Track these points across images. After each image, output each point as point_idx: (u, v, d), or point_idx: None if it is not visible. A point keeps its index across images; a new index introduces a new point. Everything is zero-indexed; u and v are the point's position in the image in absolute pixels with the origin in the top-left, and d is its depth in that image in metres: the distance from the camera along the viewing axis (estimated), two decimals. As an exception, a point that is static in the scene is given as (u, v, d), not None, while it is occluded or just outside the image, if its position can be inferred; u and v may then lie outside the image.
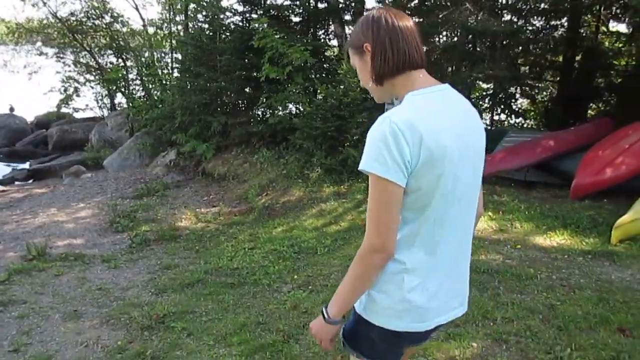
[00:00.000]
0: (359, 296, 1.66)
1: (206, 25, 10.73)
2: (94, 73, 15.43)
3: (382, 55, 1.62)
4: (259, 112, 10.19)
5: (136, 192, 9.30)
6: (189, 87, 10.34)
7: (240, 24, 10.11)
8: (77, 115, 15.76)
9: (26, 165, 12.87)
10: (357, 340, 1.78)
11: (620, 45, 13.30)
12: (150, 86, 13.23)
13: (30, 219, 8.12)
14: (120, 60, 14.91)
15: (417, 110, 1.56)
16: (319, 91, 8.78)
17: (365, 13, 1.82)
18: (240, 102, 10.27)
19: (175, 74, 13.48)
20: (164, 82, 12.85)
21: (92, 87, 15.60)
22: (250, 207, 7.87)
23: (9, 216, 8.40)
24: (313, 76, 9.31)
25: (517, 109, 14.08)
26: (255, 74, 9.61)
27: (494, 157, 9.03)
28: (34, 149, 14.61)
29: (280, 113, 9.68)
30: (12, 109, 17.61)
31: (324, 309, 1.71)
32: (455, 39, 10.76)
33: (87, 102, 15.65)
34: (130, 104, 13.05)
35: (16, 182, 11.59)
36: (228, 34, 10.09)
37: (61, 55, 15.65)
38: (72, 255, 6.41)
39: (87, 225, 7.74)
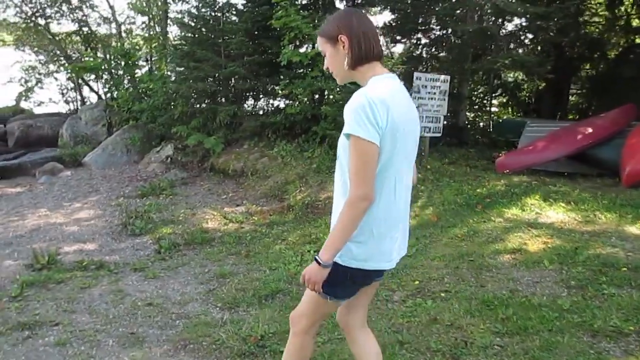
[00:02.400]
0: (348, 240, 1.91)
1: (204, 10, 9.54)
2: (58, 63, 13.82)
3: (357, 47, 1.97)
4: (274, 101, 9.12)
5: (138, 190, 8.06)
6: (188, 73, 9.11)
7: (250, 3, 9.00)
8: (39, 110, 14.11)
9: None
10: (334, 284, 2.02)
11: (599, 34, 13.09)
12: (127, 76, 11.86)
13: (17, 221, 6.78)
14: (88, 49, 13.40)
15: (383, 89, 1.91)
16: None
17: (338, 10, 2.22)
18: (251, 90, 9.15)
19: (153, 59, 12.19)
20: (151, 71, 11.57)
21: (57, 79, 14.00)
22: (286, 205, 6.84)
23: (-11, 219, 7.01)
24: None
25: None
26: (264, 57, 8.58)
27: (535, 146, 8.45)
28: (-9, 146, 12.93)
29: (295, 102, 8.66)
30: (-39, 103, 15.69)
31: (316, 256, 1.92)
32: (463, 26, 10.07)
33: (50, 96, 14.07)
34: (112, 95, 11.66)
35: (-22, 182, 10.04)
36: (235, 13, 8.98)
37: (22, 42, 13.94)
38: (93, 264, 5.21)
39: (93, 227, 6.49)
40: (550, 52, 12.42)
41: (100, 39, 13.80)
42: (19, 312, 4.14)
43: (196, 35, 9.24)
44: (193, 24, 9.36)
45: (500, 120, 12.21)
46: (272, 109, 9.02)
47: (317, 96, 8.58)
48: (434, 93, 9.00)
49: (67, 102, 14.17)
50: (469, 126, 11.87)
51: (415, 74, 8.66)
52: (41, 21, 13.52)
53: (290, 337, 2.31)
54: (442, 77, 9.11)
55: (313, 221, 6.30)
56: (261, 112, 9.11)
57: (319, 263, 1.92)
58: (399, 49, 12.28)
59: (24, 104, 14.20)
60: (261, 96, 9.51)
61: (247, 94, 9.33)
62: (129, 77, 11.55)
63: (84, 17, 13.61)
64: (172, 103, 9.34)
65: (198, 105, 9.19)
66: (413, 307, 3.89)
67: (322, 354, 3.32)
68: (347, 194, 1.92)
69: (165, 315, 4.10)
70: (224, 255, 5.53)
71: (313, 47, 7.94)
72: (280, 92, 8.31)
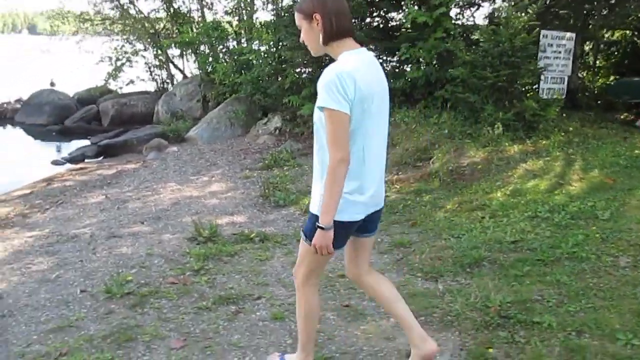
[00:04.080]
0: (339, 199, 2.17)
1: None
2: (145, 42, 13.73)
3: (329, 25, 2.20)
4: (387, 66, 8.73)
5: (258, 163, 7.88)
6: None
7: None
8: (127, 90, 14.12)
9: (87, 142, 11.35)
10: None
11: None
12: (222, 49, 11.70)
13: (152, 196, 6.69)
14: (177, 25, 13.22)
15: (351, 63, 2.15)
16: (479, 36, 7.34)
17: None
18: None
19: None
20: (239, 43, 11.36)
21: (144, 57, 13.94)
22: (427, 172, 6.49)
23: (122, 194, 6.95)
24: (461, 20, 7.89)
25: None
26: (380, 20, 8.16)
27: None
28: (87, 125, 13.01)
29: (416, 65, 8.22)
30: (53, 84, 15.88)
31: (317, 224, 2.19)
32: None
33: (137, 75, 14.00)
34: (206, 70, 11.52)
35: (86, 160, 10.10)
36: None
37: (110, 22, 13.93)
38: (257, 235, 5.00)
39: (233, 200, 6.33)
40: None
41: (184, 14, 13.60)
42: (211, 286, 3.97)
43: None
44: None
45: (614, 82, 11.46)
46: (391, 73, 8.58)
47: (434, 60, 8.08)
48: (559, 52, 8.48)
49: (154, 79, 14.11)
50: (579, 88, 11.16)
51: (542, 32, 8.12)
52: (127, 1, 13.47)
53: (296, 294, 2.57)
54: (568, 34, 8.56)
55: (465, 188, 5.96)
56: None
57: (322, 228, 2.18)
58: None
59: (113, 85, 14.22)
60: (381, 61, 9.12)
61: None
62: (223, 50, 11.39)
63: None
64: (281, 73, 9.05)
65: (307, 74, 8.88)
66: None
67: (585, 323, 3.00)
68: (323, 156, 2.22)
69: (368, 287, 3.85)
70: (385, 225, 5.24)
71: (438, 7, 7.48)
72: (401, 56, 7.89)
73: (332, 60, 2.31)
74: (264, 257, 4.51)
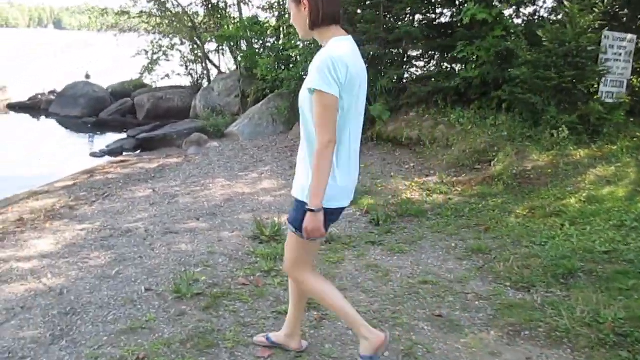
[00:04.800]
0: (327, 182, 2.20)
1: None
2: (181, 36, 13.55)
3: (315, 13, 2.23)
4: (440, 65, 8.46)
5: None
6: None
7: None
8: (161, 84, 13.97)
9: (123, 135, 11.20)
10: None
11: None
12: (261, 44, 11.52)
13: (202, 192, 6.50)
14: (215, 20, 13.04)
15: (342, 49, 2.20)
16: (542, 34, 7.04)
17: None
18: (418, 53, 8.53)
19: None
20: (279, 39, 11.16)
21: (180, 52, 13.77)
22: (487, 175, 6.23)
23: (169, 188, 6.75)
24: (523, 18, 7.60)
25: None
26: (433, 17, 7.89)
27: None
28: (122, 118, 12.90)
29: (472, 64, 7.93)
30: (88, 76, 15.84)
31: (307, 207, 2.21)
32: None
33: (172, 69, 13.84)
34: (245, 65, 11.32)
35: (124, 153, 9.96)
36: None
37: (147, 15, 13.79)
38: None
39: (289, 198, 6.06)
40: None
41: (222, 9, 13.41)
42: (285, 288, 3.74)
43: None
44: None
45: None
46: (444, 72, 8.31)
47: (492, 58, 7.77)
48: (620, 54, 8.12)
49: (189, 74, 13.96)
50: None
51: (604, 33, 7.76)
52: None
53: (301, 287, 2.61)
54: (629, 36, 8.19)
55: (532, 192, 5.68)
56: (432, 77, 8.39)
57: (312, 211, 2.21)
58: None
59: (148, 79, 14.05)
60: (432, 59, 8.86)
61: (413, 58, 8.70)
62: (264, 46, 11.21)
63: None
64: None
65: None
66: None
67: None
68: (311, 139, 2.26)
69: (456, 296, 3.62)
70: (454, 229, 5.00)
71: (499, 4, 7.21)
72: (456, 54, 7.60)
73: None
74: (335, 260, 4.29)
